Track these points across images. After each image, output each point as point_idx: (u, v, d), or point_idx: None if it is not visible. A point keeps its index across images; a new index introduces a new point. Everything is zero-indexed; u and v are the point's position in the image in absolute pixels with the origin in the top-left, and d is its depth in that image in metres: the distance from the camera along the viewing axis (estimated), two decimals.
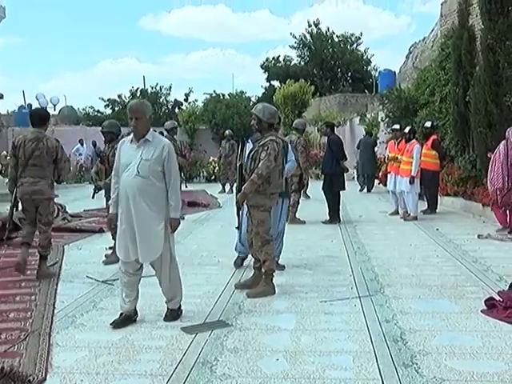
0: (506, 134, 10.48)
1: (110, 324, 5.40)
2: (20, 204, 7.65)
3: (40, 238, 7.54)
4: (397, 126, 14.00)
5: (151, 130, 5.48)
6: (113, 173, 5.63)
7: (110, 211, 5.65)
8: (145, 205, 5.29)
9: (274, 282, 6.58)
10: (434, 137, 13.45)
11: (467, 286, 6.81)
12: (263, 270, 6.56)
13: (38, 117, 7.58)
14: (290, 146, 7.75)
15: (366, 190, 19.55)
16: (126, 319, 5.48)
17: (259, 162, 6.33)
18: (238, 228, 6.65)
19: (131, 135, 5.50)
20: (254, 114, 6.60)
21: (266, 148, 6.35)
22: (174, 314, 5.65)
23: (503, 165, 10.19)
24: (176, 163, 5.51)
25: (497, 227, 10.69)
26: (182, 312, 5.74)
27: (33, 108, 7.97)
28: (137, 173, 5.26)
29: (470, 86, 14.17)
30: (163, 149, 5.35)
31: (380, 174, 18.06)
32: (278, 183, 6.55)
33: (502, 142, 10.47)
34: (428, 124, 13.62)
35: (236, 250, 7.86)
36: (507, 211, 10.51)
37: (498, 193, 10.32)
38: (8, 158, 22.82)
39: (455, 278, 7.15)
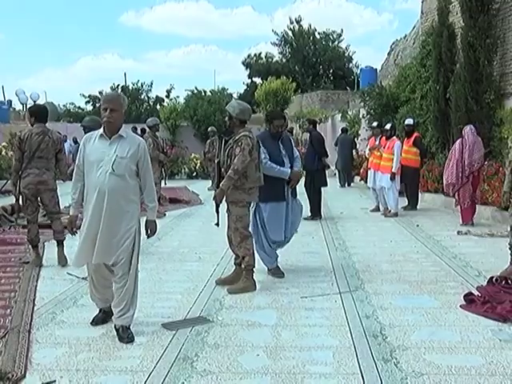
0: (463, 132, 11.01)
1: (91, 322, 5.34)
2: (21, 197, 7.84)
3: (53, 225, 8.06)
4: (375, 124, 14.08)
5: (123, 126, 5.04)
6: (75, 170, 5.11)
7: (71, 212, 5.24)
8: (119, 204, 4.89)
9: (254, 277, 6.59)
10: (416, 134, 13.52)
11: (447, 281, 6.87)
12: (243, 265, 6.57)
13: (42, 112, 7.97)
14: (291, 141, 7.60)
15: (346, 185, 19.90)
16: (107, 315, 5.36)
17: (234, 157, 6.36)
18: (217, 225, 6.65)
19: (99, 130, 5.03)
20: (226, 109, 6.65)
21: (239, 143, 6.37)
22: (127, 333, 4.93)
23: (458, 161, 10.77)
24: (150, 163, 5.13)
25: (476, 222, 10.91)
26: (133, 337, 4.94)
27: (34, 104, 8.10)
28: (112, 171, 4.84)
29: (450, 83, 14.32)
30: (139, 147, 4.97)
31: (361, 170, 18.17)
32: (256, 177, 6.54)
33: (459, 140, 11.04)
34: (410, 121, 13.65)
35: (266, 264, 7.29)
36: (468, 207, 10.98)
37: (451, 188, 10.96)
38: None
39: (435, 274, 7.21)
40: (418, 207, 13.47)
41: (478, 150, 10.76)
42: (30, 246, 8.13)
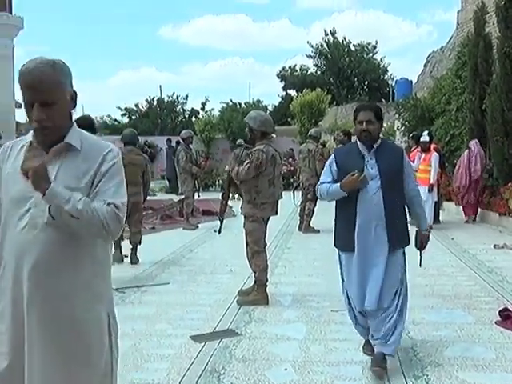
0: (469, 145, 13.59)
1: None
2: None
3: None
4: (426, 138, 12.67)
5: (75, 125, 2.58)
6: None
7: None
8: (66, 295, 2.46)
9: (267, 291, 6.51)
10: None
11: (482, 296, 6.73)
12: (254, 279, 6.56)
13: (91, 124, 7.50)
14: (404, 160, 4.70)
15: None
16: None
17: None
18: (219, 232, 6.73)
19: (26, 137, 2.61)
20: (246, 122, 6.50)
21: (250, 157, 6.30)
22: None
23: (466, 168, 13.25)
24: (123, 180, 2.58)
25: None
26: None
27: (81, 116, 7.74)
28: (49, 218, 2.41)
29: (486, 95, 14.08)
30: (103, 160, 2.51)
31: None
32: (269, 193, 6.38)
33: (466, 150, 13.60)
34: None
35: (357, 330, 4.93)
36: (471, 205, 13.47)
37: (461, 189, 13.31)
38: None
39: (469, 289, 7.06)
40: (452, 220, 13.32)
41: (479, 160, 13.15)
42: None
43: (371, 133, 4.53)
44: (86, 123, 7.62)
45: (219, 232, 6.82)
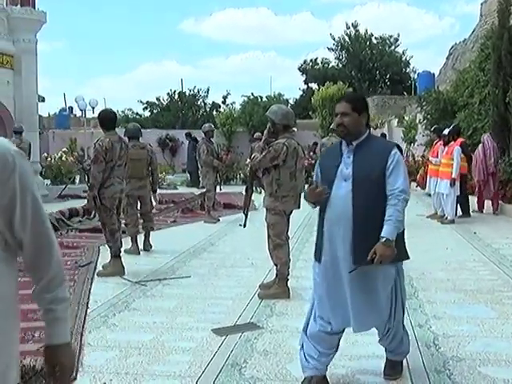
0: (482, 139, 13.65)
1: None
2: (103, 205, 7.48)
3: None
4: (445, 131, 12.93)
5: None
6: None
7: None
8: None
9: (288, 285, 6.51)
10: (461, 139, 12.95)
11: (504, 291, 6.67)
12: (275, 272, 6.55)
13: (112, 119, 7.82)
14: (390, 158, 3.90)
15: None
16: None
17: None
18: (244, 225, 6.73)
19: None
20: (267, 116, 6.47)
21: (269, 147, 6.29)
22: None
23: (482, 161, 13.21)
24: (37, 193, 1.93)
25: None
26: None
27: (102, 111, 7.81)
28: None
29: (510, 88, 13.94)
30: (5, 166, 1.79)
31: (418, 176, 17.83)
32: (290, 186, 6.36)
33: (480, 145, 13.58)
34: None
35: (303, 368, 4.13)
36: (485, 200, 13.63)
37: (481, 183, 13.26)
38: (49, 159, 23.20)
39: (492, 283, 7.01)
40: (474, 214, 13.16)
41: (493, 154, 13.19)
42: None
43: (346, 126, 3.95)
44: (107, 117, 7.79)
45: (244, 226, 6.87)
